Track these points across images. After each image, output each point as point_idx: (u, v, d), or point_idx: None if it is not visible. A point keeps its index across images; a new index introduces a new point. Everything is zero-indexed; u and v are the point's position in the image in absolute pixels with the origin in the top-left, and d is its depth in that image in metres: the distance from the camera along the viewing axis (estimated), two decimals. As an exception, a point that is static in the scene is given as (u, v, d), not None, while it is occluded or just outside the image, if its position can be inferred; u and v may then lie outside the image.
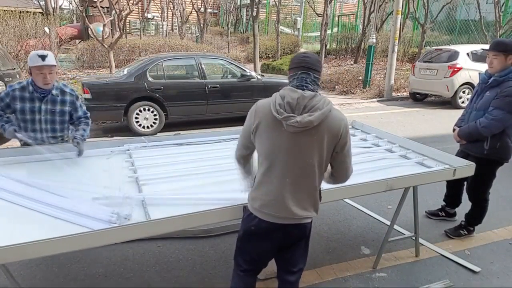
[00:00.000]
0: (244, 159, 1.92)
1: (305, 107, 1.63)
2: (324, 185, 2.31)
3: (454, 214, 3.57)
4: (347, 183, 2.33)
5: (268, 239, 1.82)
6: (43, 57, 2.59)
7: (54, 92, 2.74)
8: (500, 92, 2.84)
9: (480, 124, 2.91)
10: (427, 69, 9.46)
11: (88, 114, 2.98)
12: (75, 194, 2.14)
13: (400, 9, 10.29)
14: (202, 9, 19.45)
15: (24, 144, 2.86)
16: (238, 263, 1.95)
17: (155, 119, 6.73)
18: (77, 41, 16.35)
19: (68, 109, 2.82)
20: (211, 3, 21.97)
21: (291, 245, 1.85)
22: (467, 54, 8.97)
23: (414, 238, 2.95)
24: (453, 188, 3.46)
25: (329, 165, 1.82)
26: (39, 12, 13.49)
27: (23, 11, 12.33)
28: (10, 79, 6.03)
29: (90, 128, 2.96)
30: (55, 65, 2.70)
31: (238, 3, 25.30)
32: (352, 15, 19.99)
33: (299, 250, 1.88)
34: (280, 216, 1.73)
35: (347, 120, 1.74)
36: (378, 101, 10.33)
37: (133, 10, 11.09)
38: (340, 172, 1.83)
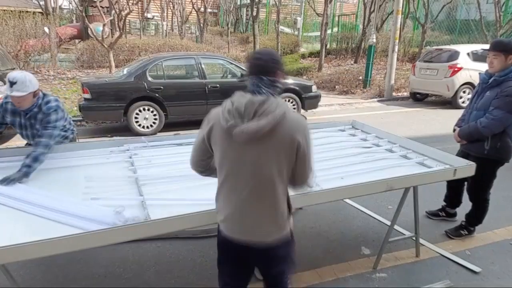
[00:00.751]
0: (202, 167, 1.72)
1: (255, 113, 1.44)
2: (325, 185, 2.32)
3: (455, 214, 3.57)
4: (347, 183, 2.33)
5: (234, 258, 1.67)
6: (11, 84, 2.42)
7: (35, 109, 2.62)
8: (501, 92, 2.84)
9: (481, 124, 2.91)
10: (428, 69, 9.45)
11: (49, 140, 2.54)
12: (74, 196, 2.14)
13: (401, 9, 10.29)
14: (202, 9, 19.43)
15: (28, 143, 2.87)
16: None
17: (155, 119, 6.73)
18: (77, 41, 16.34)
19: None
20: (211, 3, 21.94)
21: (268, 265, 1.68)
22: (468, 54, 8.97)
23: (414, 238, 2.95)
24: (454, 188, 3.45)
25: None
26: (39, 12, 13.48)
27: (23, 11, 12.32)
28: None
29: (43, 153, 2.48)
30: (25, 95, 2.47)
31: (238, 3, 25.28)
32: (352, 15, 19.99)
33: (280, 268, 1.68)
34: (242, 232, 1.58)
35: (306, 123, 1.54)
36: (378, 101, 10.33)
37: (133, 10, 11.09)
38: (297, 178, 1.60)
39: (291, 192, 1.69)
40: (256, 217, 1.56)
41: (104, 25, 11.33)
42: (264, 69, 1.51)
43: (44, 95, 2.70)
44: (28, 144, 2.89)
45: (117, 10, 10.66)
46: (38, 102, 2.64)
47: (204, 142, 1.61)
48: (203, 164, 1.70)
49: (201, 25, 19.39)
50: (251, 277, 1.78)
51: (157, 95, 6.64)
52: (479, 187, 3.14)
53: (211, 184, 2.32)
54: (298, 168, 1.55)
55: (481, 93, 3.03)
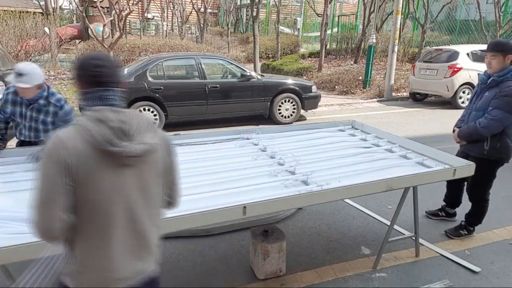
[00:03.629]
0: (62, 229, 1.19)
1: (138, 127, 1.24)
2: (325, 185, 2.32)
3: (454, 214, 3.57)
4: (348, 183, 2.34)
5: None
6: (18, 75, 2.52)
7: (41, 101, 2.72)
8: (499, 92, 2.85)
9: (480, 124, 2.91)
10: (427, 69, 9.46)
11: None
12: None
13: (400, 9, 10.29)
14: (202, 9, 19.45)
15: (21, 144, 2.88)
16: None
17: (155, 119, 6.73)
18: (77, 41, 16.35)
19: (51, 119, 2.79)
20: (211, 3, 21.96)
21: None
22: (467, 54, 8.97)
23: (414, 238, 2.96)
24: (453, 188, 3.46)
25: None
26: (39, 12, 13.49)
27: (23, 11, 12.32)
28: (10, 79, 6.02)
29: None
30: (30, 87, 2.56)
31: (238, 3, 25.30)
32: (352, 15, 19.98)
33: None
34: (130, 277, 1.31)
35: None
36: (378, 101, 10.33)
37: (133, 10, 11.08)
38: (175, 194, 1.47)
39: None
40: (147, 249, 1.37)
41: (104, 25, 11.34)
42: (112, 79, 1.27)
43: (49, 87, 2.79)
44: (21, 142, 2.91)
45: (117, 11, 10.66)
46: (44, 94, 2.72)
47: (62, 185, 1.17)
48: (63, 222, 1.19)
49: (201, 25, 19.41)
50: None
51: (157, 95, 6.65)
52: (479, 187, 3.14)
53: (211, 184, 2.34)
54: (173, 184, 1.44)
55: (480, 93, 3.04)
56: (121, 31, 10.80)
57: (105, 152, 1.18)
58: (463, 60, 8.88)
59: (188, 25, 21.99)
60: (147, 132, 1.27)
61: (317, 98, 8.00)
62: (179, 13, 21.06)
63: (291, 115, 7.73)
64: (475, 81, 3.59)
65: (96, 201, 1.21)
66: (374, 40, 11.45)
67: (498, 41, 2.96)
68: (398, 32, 10.48)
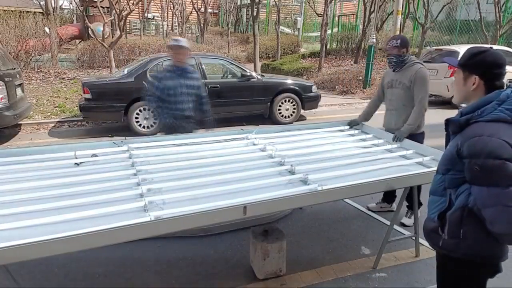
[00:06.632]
0: None
1: None
2: (325, 185, 2.32)
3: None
4: (348, 183, 2.34)
5: None
6: (176, 40, 3.39)
7: (189, 69, 3.49)
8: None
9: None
10: (427, 69, 9.44)
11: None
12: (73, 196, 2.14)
13: (401, 9, 10.30)
14: (202, 9, 19.46)
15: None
16: None
17: (155, 119, 6.73)
18: (77, 41, 16.36)
19: (197, 84, 3.50)
20: (211, 3, 21.97)
21: None
22: (467, 54, 8.97)
23: (414, 238, 2.96)
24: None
25: None
26: (39, 12, 13.50)
27: (23, 11, 12.34)
28: (10, 79, 6.02)
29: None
30: (185, 46, 3.37)
31: (238, 3, 25.29)
32: (352, 15, 19.99)
33: None
34: None
35: None
36: (378, 101, 10.32)
37: (133, 10, 11.08)
38: None
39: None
40: None
41: (104, 25, 11.35)
42: None
43: None
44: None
45: (118, 10, 10.66)
46: (187, 65, 3.51)
47: None
48: None
49: (202, 25, 19.41)
50: None
51: (157, 95, 6.64)
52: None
53: (211, 184, 2.34)
54: None
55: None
56: (121, 31, 10.80)
57: None
58: (463, 60, 8.87)
59: (188, 25, 22.00)
60: None
61: (317, 98, 8.00)
62: (179, 13, 21.07)
63: (291, 115, 7.73)
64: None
65: None
66: (374, 40, 11.45)
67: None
68: (398, 32, 10.48)
